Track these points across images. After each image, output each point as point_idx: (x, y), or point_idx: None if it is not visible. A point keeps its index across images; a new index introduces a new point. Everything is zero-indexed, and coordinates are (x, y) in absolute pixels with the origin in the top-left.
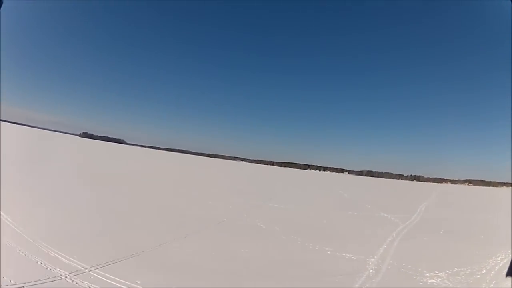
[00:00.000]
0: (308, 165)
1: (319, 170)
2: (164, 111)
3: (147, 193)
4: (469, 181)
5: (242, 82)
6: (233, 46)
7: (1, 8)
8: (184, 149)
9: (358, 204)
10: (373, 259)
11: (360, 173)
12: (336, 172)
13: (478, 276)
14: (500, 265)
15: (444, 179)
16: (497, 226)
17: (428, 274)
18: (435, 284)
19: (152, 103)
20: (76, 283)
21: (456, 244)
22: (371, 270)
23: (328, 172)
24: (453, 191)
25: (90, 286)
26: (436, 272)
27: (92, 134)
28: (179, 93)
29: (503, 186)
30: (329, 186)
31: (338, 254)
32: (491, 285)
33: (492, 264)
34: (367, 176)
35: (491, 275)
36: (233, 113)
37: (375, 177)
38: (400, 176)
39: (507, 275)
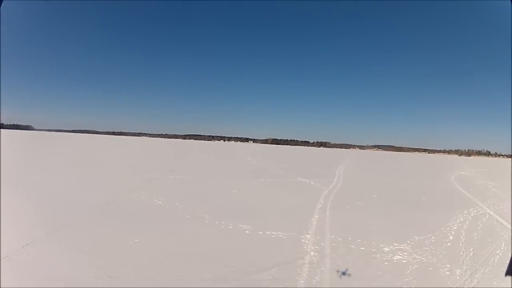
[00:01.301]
0: (213, 136)
1: (224, 141)
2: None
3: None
4: (378, 147)
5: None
6: None
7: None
8: (90, 130)
9: (269, 170)
10: (308, 236)
11: (265, 141)
12: (241, 141)
13: (449, 244)
14: (465, 228)
15: (352, 145)
16: (431, 189)
17: (387, 249)
18: (404, 260)
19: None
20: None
21: (398, 209)
22: (312, 253)
23: (233, 142)
24: (367, 155)
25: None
26: (396, 244)
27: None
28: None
29: (414, 151)
30: (235, 154)
31: (260, 233)
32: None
33: (455, 228)
34: (273, 144)
35: (463, 241)
36: (133, 87)
37: (281, 144)
38: (306, 143)
39: (506, 274)
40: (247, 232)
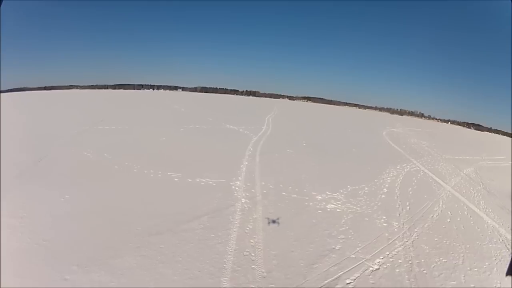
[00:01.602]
0: (142, 85)
1: (153, 89)
2: None
3: None
4: (307, 98)
5: None
6: None
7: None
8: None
9: (197, 118)
10: (238, 182)
11: (194, 89)
12: (170, 89)
13: (383, 196)
14: (399, 182)
15: (281, 95)
16: (362, 142)
17: (320, 197)
18: (338, 209)
19: None
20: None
21: (328, 159)
22: (243, 200)
23: (162, 90)
24: (297, 106)
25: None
26: (328, 193)
27: None
28: None
29: (345, 105)
30: (164, 102)
31: (189, 180)
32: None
33: (389, 181)
34: (202, 92)
35: (398, 194)
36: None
37: (210, 92)
38: (235, 92)
39: (507, 274)
40: (176, 180)
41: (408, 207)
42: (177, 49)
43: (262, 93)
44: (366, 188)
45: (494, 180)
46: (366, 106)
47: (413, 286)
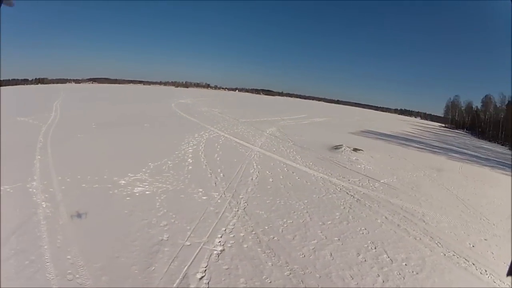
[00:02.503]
0: None
1: None
2: None
3: None
4: (93, 80)
5: None
6: None
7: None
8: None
9: None
10: (35, 183)
11: None
12: None
13: (190, 167)
14: (202, 150)
15: (68, 79)
16: (153, 115)
17: (124, 181)
18: (147, 192)
19: None
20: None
21: (121, 137)
22: (44, 204)
23: None
24: (85, 88)
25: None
26: (131, 175)
27: None
28: None
29: (130, 83)
30: None
31: None
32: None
33: (191, 151)
34: None
35: (205, 163)
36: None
37: None
38: (25, 82)
39: (507, 275)
40: None
41: (221, 174)
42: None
43: (50, 80)
44: (169, 162)
45: (303, 135)
46: (151, 82)
47: (271, 256)
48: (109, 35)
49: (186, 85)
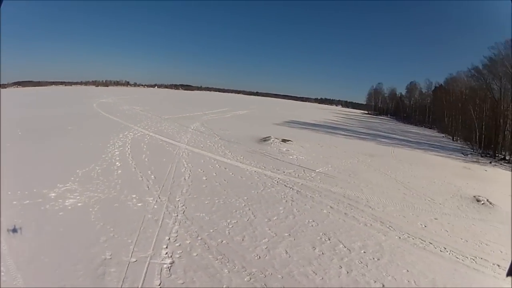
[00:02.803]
0: None
1: None
2: None
3: None
4: (18, 84)
5: None
6: None
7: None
8: None
9: None
10: None
11: None
12: None
13: (120, 171)
14: (129, 152)
15: None
16: (76, 117)
17: (54, 194)
18: (79, 203)
19: None
20: None
21: (44, 143)
22: None
23: None
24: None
25: None
26: (60, 185)
27: None
28: None
29: (52, 84)
30: None
31: None
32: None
33: (118, 153)
34: None
35: (134, 165)
36: None
37: None
38: None
39: (507, 275)
40: None
41: (153, 176)
42: None
43: None
44: (97, 168)
45: (229, 129)
46: (72, 82)
47: (225, 262)
48: (28, 35)
49: (106, 84)
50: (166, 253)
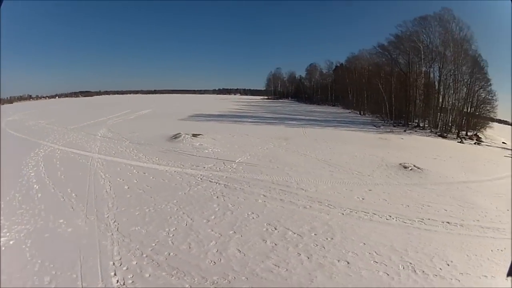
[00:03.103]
0: None
1: None
2: None
3: None
4: None
5: None
6: None
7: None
8: None
9: None
10: None
11: None
12: None
13: (40, 195)
14: (43, 171)
15: None
16: None
17: None
18: (11, 241)
19: None
20: None
21: None
22: None
23: None
24: None
25: None
26: None
27: None
28: None
29: None
30: None
31: None
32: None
33: (33, 174)
34: None
35: (54, 184)
36: None
37: None
38: None
39: (507, 275)
40: None
41: (73, 195)
42: None
43: None
44: (17, 195)
45: (136, 131)
46: None
47: (182, 277)
48: None
49: (11, 100)
50: (117, 280)
